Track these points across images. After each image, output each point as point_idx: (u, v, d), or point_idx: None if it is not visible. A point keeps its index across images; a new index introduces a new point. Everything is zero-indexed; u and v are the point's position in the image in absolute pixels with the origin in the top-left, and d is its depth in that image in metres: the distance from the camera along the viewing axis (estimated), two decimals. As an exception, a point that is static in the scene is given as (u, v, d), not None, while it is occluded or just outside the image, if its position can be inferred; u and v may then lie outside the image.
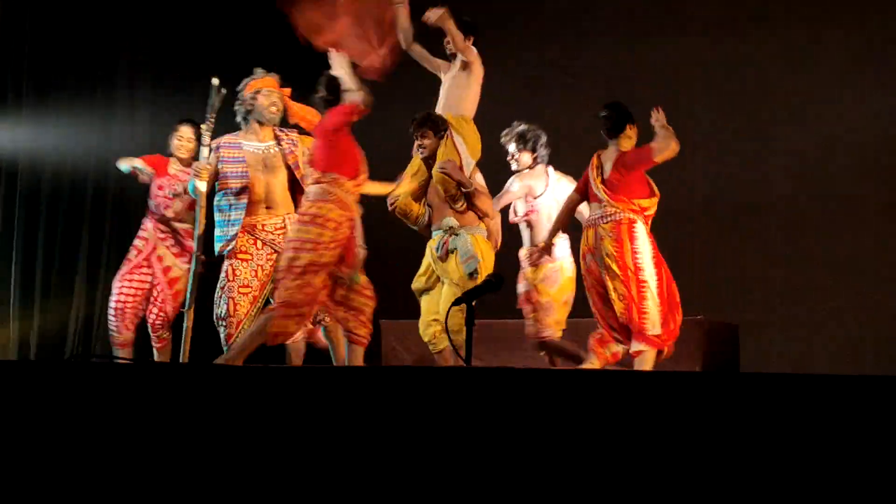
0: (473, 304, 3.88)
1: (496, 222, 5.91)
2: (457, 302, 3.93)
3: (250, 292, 5.48)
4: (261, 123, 5.62)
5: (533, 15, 8.78)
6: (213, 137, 5.73)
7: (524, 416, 2.70)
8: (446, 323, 5.25)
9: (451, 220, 5.68)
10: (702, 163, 8.07)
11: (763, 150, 8.09)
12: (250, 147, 5.62)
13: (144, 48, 8.47)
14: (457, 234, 5.63)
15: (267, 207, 5.59)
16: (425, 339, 5.78)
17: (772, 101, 8.07)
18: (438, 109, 5.93)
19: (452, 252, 5.61)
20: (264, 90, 5.60)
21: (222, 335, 5.46)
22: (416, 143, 5.77)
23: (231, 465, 2.83)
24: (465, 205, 5.70)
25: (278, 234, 5.55)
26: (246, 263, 5.50)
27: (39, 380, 3.14)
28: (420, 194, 5.85)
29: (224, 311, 5.43)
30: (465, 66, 5.87)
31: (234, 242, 5.50)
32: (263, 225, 5.56)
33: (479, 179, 5.87)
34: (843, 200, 7.76)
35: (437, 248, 5.65)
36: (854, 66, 7.81)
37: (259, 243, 5.54)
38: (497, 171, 6.33)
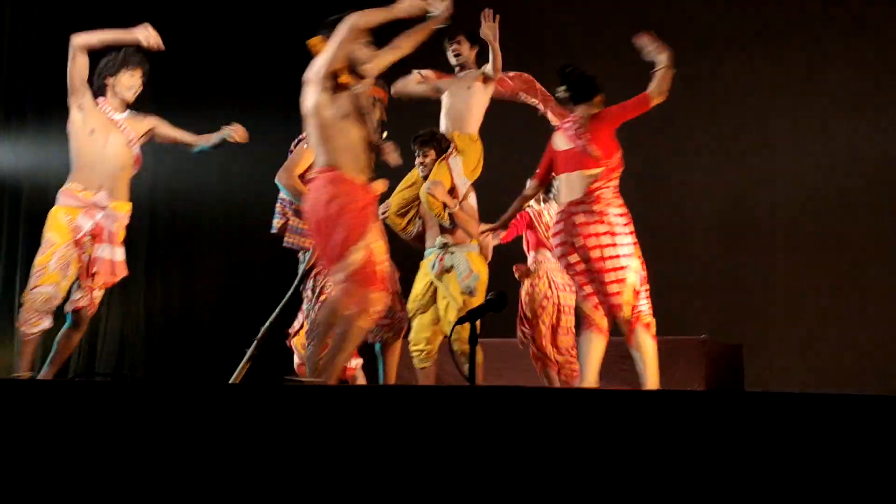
0: (477, 322, 3.90)
1: (488, 240, 5.93)
2: (461, 321, 3.93)
3: None
4: None
5: (536, 33, 8.81)
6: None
7: (528, 434, 2.70)
8: (450, 342, 5.29)
9: (445, 238, 5.73)
10: (706, 183, 8.08)
11: (767, 169, 8.10)
12: None
13: (146, 67, 8.50)
14: (451, 253, 5.70)
15: None
16: (412, 354, 5.81)
17: (778, 121, 8.09)
18: (444, 124, 5.95)
19: (449, 270, 5.68)
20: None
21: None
22: (418, 160, 5.83)
23: (236, 484, 2.83)
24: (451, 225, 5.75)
25: None
26: None
27: (43, 399, 3.14)
28: (410, 206, 5.89)
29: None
30: (487, 81, 5.88)
31: None
32: None
33: (472, 201, 5.89)
34: (848, 221, 7.77)
35: (433, 267, 5.70)
36: (863, 85, 7.84)
37: None
38: (502, 188, 6.34)
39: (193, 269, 8.88)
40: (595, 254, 4.99)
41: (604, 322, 5.07)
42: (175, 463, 2.88)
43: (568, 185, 5.14)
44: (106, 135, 5.56)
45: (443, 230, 5.78)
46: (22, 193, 7.71)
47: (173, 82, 8.52)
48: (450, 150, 5.79)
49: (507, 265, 6.20)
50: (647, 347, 4.98)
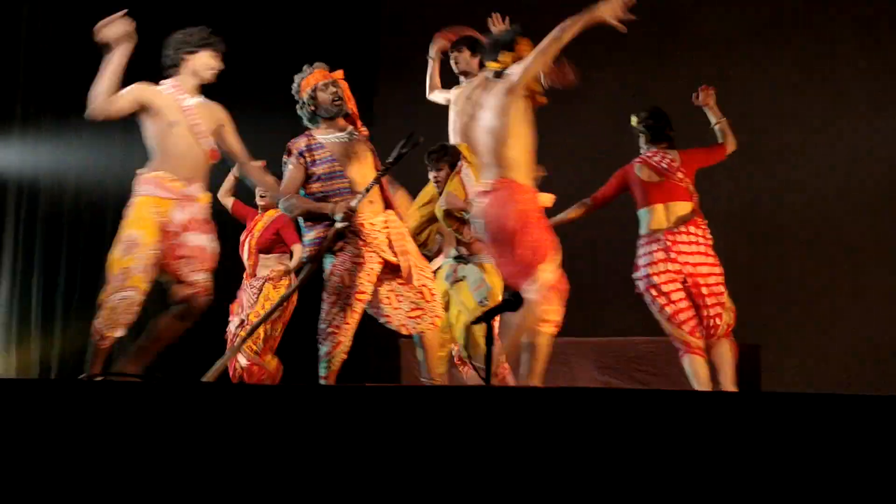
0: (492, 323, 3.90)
1: None
2: (476, 321, 3.94)
3: (366, 299, 5.05)
4: (330, 119, 5.19)
5: (540, 32, 8.80)
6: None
7: (545, 434, 2.70)
8: (463, 347, 5.32)
9: (460, 250, 5.79)
10: (722, 183, 8.05)
11: (784, 170, 8.08)
12: (332, 138, 5.17)
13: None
14: (465, 264, 5.76)
15: (370, 202, 5.08)
16: None
17: (794, 121, 8.06)
18: (451, 137, 5.95)
19: (462, 279, 5.74)
20: (320, 84, 5.19)
21: (327, 346, 5.01)
22: (432, 175, 5.85)
23: (251, 486, 2.83)
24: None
25: (382, 236, 5.10)
26: (361, 268, 5.01)
27: (60, 398, 3.16)
28: (429, 222, 5.89)
29: (340, 321, 4.98)
30: None
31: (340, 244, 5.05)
32: (372, 224, 5.08)
33: None
34: (867, 221, 7.75)
35: (447, 277, 5.75)
36: (878, 82, 7.81)
37: (367, 247, 5.04)
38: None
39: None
40: (701, 280, 5.43)
41: (701, 343, 5.45)
42: (193, 463, 2.89)
43: (658, 216, 5.55)
44: (185, 124, 4.92)
45: (459, 242, 5.82)
46: (40, 194, 7.74)
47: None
48: (460, 163, 5.80)
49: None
50: (730, 357, 5.45)
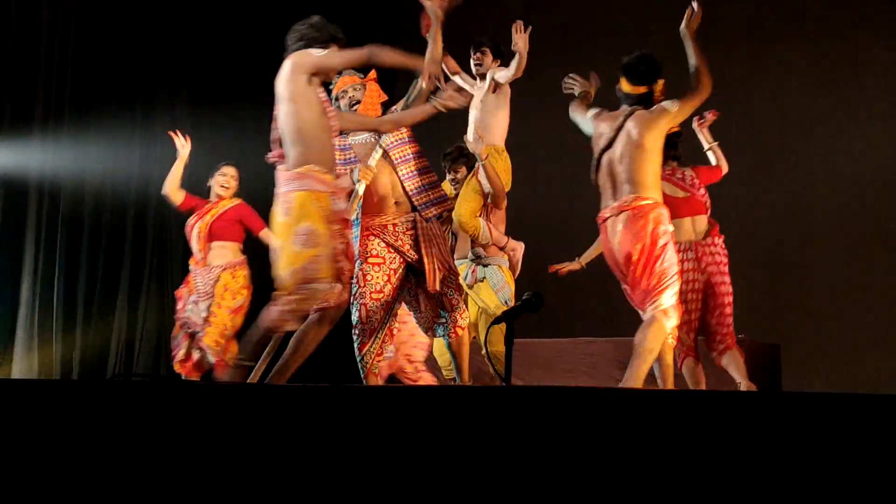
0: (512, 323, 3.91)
1: (517, 253, 5.95)
2: (496, 321, 3.94)
3: (383, 298, 5.09)
4: None
5: (551, 31, 8.78)
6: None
7: (564, 434, 2.69)
8: (485, 346, 5.32)
9: (479, 251, 5.81)
10: (743, 184, 8.04)
11: (805, 171, 8.06)
12: (360, 140, 5.22)
13: (183, 69, 8.56)
14: (485, 265, 5.79)
15: (396, 203, 5.14)
16: (440, 365, 5.92)
17: (814, 123, 8.04)
18: (469, 136, 5.96)
19: (482, 280, 5.77)
20: (339, 92, 5.23)
21: (356, 344, 5.10)
22: (449, 176, 5.90)
23: (272, 486, 2.84)
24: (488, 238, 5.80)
25: (407, 236, 5.14)
26: (378, 268, 5.10)
27: (81, 398, 3.17)
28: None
29: (356, 319, 5.07)
30: (496, 87, 5.88)
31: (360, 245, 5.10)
32: (396, 224, 5.13)
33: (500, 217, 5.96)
34: (886, 221, 7.71)
35: (465, 279, 5.77)
36: (881, 82, 7.80)
37: (389, 248, 5.10)
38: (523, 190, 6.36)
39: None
40: (722, 289, 5.64)
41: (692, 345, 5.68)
42: (214, 462, 2.90)
43: (687, 228, 5.73)
44: (329, 113, 4.62)
45: (474, 243, 5.85)
46: (60, 195, 7.78)
47: (201, 81, 8.57)
48: (477, 164, 5.81)
49: (530, 278, 6.22)
50: (741, 361, 5.57)
